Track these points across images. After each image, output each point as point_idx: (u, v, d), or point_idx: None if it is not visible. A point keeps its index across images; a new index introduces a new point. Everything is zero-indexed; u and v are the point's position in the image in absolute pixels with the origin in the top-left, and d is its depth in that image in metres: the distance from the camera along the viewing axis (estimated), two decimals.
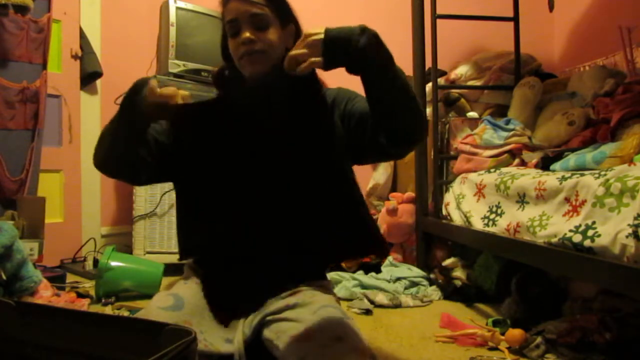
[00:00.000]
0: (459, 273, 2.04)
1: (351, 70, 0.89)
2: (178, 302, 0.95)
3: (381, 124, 0.95)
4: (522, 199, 1.58)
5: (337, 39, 0.86)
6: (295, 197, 1.00)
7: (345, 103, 1.06)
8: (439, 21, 2.24)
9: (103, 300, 1.81)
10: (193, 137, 1.03)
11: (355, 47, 0.85)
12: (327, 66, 0.87)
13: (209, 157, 1.04)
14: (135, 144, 1.00)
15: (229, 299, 1.01)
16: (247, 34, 1.02)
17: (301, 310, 0.96)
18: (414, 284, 2.05)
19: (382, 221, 2.36)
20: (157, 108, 0.94)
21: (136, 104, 0.95)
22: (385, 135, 0.95)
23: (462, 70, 2.65)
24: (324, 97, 1.01)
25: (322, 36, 0.86)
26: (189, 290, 1.01)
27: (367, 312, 1.77)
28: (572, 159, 1.57)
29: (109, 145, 1.02)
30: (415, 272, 2.12)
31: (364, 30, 0.87)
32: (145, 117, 0.96)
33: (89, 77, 2.65)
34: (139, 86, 0.96)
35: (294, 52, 0.88)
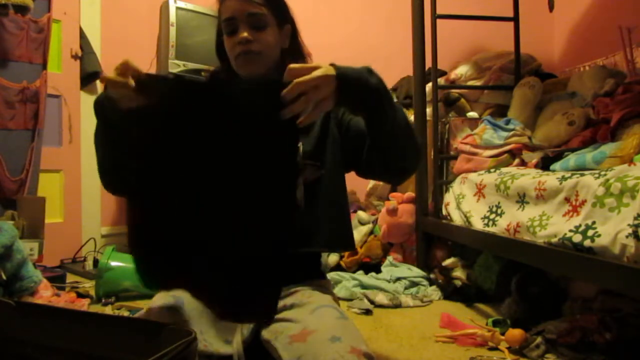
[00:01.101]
0: (459, 273, 2.04)
1: (355, 110, 0.87)
2: (178, 303, 0.95)
3: (378, 158, 0.95)
4: (522, 199, 1.58)
5: (350, 77, 0.81)
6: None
7: (343, 113, 1.06)
8: (439, 21, 2.24)
9: (103, 300, 1.81)
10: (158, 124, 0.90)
11: (368, 87, 0.83)
12: (338, 104, 0.81)
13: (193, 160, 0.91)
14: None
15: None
16: (245, 34, 1.01)
17: (298, 310, 0.96)
18: (414, 284, 2.05)
19: (382, 221, 2.36)
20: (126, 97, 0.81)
21: (110, 114, 0.86)
22: (381, 167, 0.96)
23: (462, 70, 2.65)
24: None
25: (333, 72, 0.79)
26: None
27: (367, 312, 1.77)
28: (572, 159, 1.57)
29: (113, 169, 0.95)
30: (415, 272, 2.12)
31: (371, 71, 0.85)
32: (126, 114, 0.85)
33: (89, 77, 2.65)
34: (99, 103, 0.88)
35: (304, 84, 0.76)
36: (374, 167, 0.99)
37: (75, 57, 2.56)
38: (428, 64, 2.25)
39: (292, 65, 0.78)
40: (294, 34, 1.12)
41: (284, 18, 1.08)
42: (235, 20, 1.02)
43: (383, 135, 0.91)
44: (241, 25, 1.02)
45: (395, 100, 2.99)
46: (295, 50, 1.12)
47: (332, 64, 0.81)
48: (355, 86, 0.82)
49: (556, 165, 1.63)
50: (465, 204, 1.93)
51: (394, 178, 1.01)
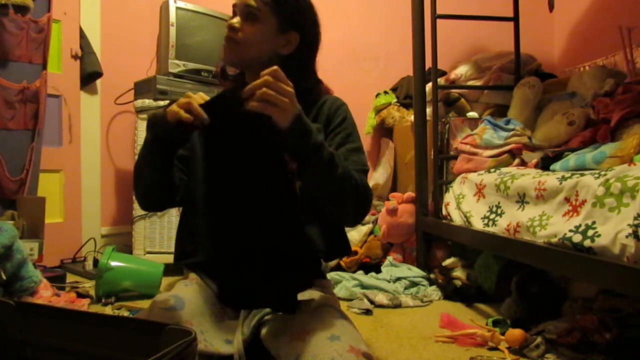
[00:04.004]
0: (459, 273, 2.04)
1: (288, 143, 0.89)
2: (179, 303, 0.95)
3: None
4: (522, 199, 1.58)
5: (303, 119, 0.87)
6: (285, 202, 1.02)
7: (333, 129, 1.05)
8: (439, 21, 2.24)
9: (103, 300, 1.81)
10: (201, 138, 1.06)
11: (310, 137, 0.87)
12: (280, 122, 0.85)
13: (212, 161, 1.06)
14: (170, 169, 1.01)
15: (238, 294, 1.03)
16: (234, 21, 1.03)
17: (298, 309, 0.96)
18: (414, 284, 2.05)
19: (382, 221, 2.36)
20: (182, 125, 0.90)
21: (161, 132, 0.94)
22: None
23: (462, 70, 2.65)
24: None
25: (297, 110, 0.86)
26: (190, 291, 1.01)
27: (367, 312, 1.77)
28: (572, 159, 1.57)
29: (151, 184, 1.02)
30: (415, 272, 2.12)
31: (320, 130, 0.91)
32: (176, 139, 0.95)
33: (89, 77, 2.65)
34: (156, 118, 0.96)
35: (273, 86, 0.83)
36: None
37: (75, 57, 2.56)
38: (428, 63, 2.25)
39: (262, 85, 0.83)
40: (305, 45, 1.08)
41: (290, 24, 1.05)
42: (235, 8, 1.05)
43: (311, 183, 0.94)
44: (238, 13, 1.04)
45: (396, 100, 3.00)
46: (299, 62, 1.07)
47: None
48: (302, 126, 0.87)
49: (556, 165, 1.63)
50: (465, 204, 1.93)
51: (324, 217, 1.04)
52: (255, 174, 1.04)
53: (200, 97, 0.90)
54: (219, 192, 1.06)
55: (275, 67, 0.84)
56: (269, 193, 1.03)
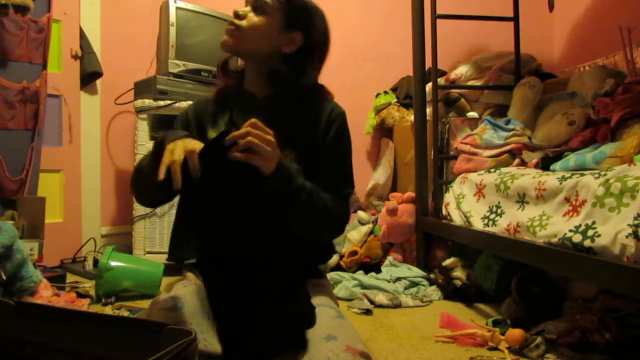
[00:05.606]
0: (459, 273, 2.04)
1: (272, 194, 0.90)
2: (178, 303, 0.95)
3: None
4: (522, 199, 1.58)
5: (286, 167, 0.90)
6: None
7: (328, 139, 1.06)
8: (439, 21, 2.24)
9: (103, 300, 1.81)
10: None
11: (291, 182, 0.90)
12: (265, 173, 0.87)
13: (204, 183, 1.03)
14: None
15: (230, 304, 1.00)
16: (241, 9, 1.07)
17: None
18: (414, 284, 2.05)
19: (382, 221, 2.36)
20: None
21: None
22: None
23: (462, 70, 2.65)
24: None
25: (279, 157, 0.88)
26: (189, 291, 1.01)
27: (367, 312, 1.77)
28: (572, 159, 1.57)
29: (148, 186, 1.00)
30: (415, 272, 2.12)
31: (299, 173, 0.93)
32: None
33: (89, 77, 2.65)
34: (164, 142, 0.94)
35: (255, 136, 0.83)
36: None
37: (75, 57, 2.56)
38: (428, 64, 2.25)
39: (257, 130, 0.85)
40: (308, 48, 1.10)
41: (295, 24, 1.08)
42: (246, 1, 1.09)
43: (289, 217, 0.96)
44: (247, 3, 1.08)
45: (396, 100, 3.00)
46: (300, 62, 1.09)
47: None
48: (284, 171, 0.89)
49: (556, 165, 1.63)
50: (465, 204, 1.93)
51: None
52: (242, 195, 1.01)
53: (184, 147, 0.86)
54: (210, 206, 1.03)
55: (253, 120, 0.85)
56: (258, 211, 1.00)
